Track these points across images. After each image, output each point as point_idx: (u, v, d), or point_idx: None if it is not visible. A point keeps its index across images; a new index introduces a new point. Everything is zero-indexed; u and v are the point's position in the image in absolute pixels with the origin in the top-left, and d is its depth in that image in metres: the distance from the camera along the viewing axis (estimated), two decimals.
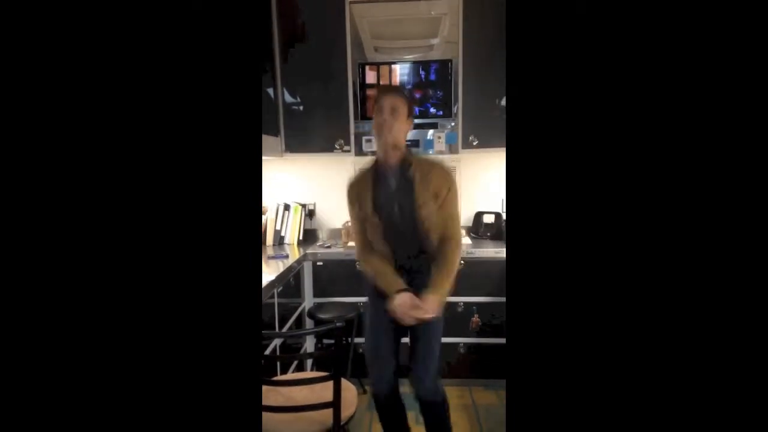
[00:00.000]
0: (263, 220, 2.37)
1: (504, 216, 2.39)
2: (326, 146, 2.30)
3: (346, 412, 1.21)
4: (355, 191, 1.44)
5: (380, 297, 1.42)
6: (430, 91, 2.32)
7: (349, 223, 2.40)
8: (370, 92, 2.32)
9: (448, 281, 1.37)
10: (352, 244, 2.32)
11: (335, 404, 1.15)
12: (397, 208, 1.38)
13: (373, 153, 2.37)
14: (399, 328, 1.45)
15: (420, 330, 1.43)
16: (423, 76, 2.32)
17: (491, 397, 2.11)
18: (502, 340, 2.18)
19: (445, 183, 1.37)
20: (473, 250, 2.16)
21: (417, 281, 1.42)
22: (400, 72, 2.32)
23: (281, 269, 1.82)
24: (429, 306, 1.33)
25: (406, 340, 1.53)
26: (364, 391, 2.15)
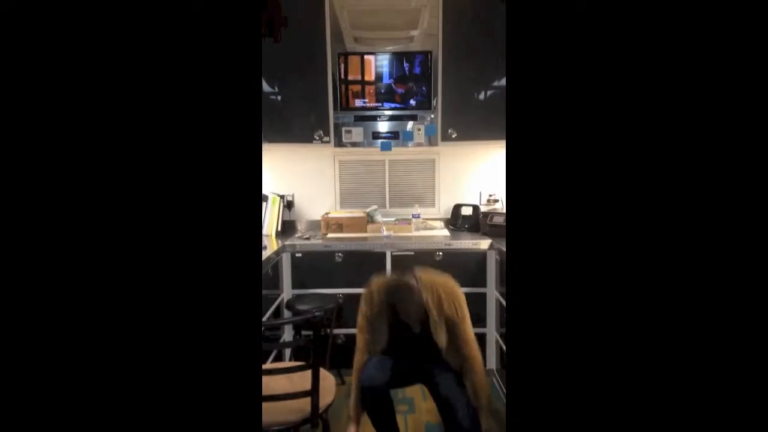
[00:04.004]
0: None
1: (481, 208, 2.42)
2: (305, 137, 2.28)
3: (324, 401, 1.22)
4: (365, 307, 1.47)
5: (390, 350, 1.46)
6: (414, 87, 2.32)
7: (329, 214, 2.41)
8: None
9: (485, 399, 1.42)
10: (331, 235, 2.32)
11: (313, 393, 1.15)
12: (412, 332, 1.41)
13: (352, 144, 2.36)
14: (408, 366, 1.48)
15: (445, 389, 1.42)
16: (407, 69, 2.32)
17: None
18: (478, 330, 2.22)
19: (457, 306, 1.40)
20: (451, 241, 2.19)
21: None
22: (377, 64, 2.32)
23: None
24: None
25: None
26: (343, 382, 2.16)
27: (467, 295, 2.17)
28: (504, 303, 2.03)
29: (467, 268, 2.17)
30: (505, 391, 2.03)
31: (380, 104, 2.35)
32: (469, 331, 1.45)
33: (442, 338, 1.38)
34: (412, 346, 1.46)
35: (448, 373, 1.44)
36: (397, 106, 2.35)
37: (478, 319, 2.21)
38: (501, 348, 2.11)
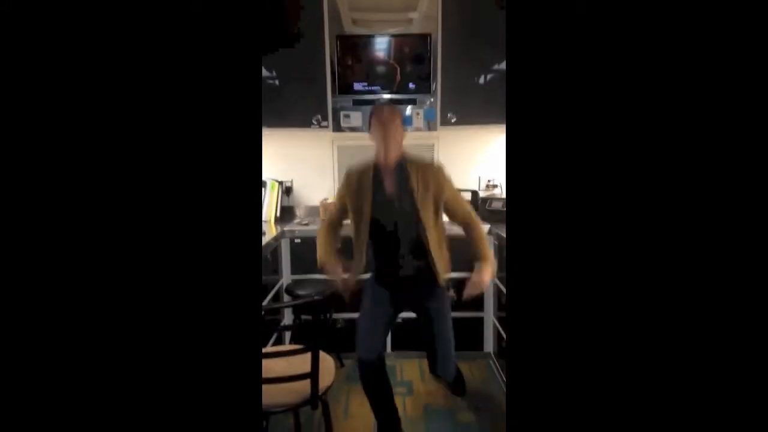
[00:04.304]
0: None
1: (480, 194, 2.42)
2: (303, 121, 2.26)
3: (323, 383, 1.24)
4: (354, 182, 1.51)
5: (379, 281, 1.57)
6: (414, 71, 2.29)
7: (328, 200, 2.40)
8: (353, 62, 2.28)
9: (489, 251, 1.53)
10: None
11: (313, 375, 1.17)
12: (395, 210, 1.47)
13: (351, 129, 2.35)
14: (394, 310, 1.58)
15: (434, 313, 1.55)
16: (406, 52, 2.29)
17: (463, 369, 2.18)
18: (476, 314, 2.25)
19: (443, 184, 1.48)
20: (450, 226, 2.18)
21: (414, 284, 1.55)
22: (376, 47, 2.28)
23: None
24: (486, 277, 1.49)
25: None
26: (342, 365, 2.19)
27: (463, 280, 2.19)
28: (501, 288, 2.04)
29: (465, 253, 2.17)
30: (503, 376, 2.06)
31: (379, 88, 2.32)
32: (461, 203, 1.55)
33: (428, 215, 1.46)
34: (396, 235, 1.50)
35: (441, 309, 1.57)
36: (396, 90, 2.32)
37: (474, 304, 2.23)
38: (499, 332, 2.13)
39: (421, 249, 1.50)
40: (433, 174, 1.47)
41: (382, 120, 1.45)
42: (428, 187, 1.45)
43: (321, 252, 1.57)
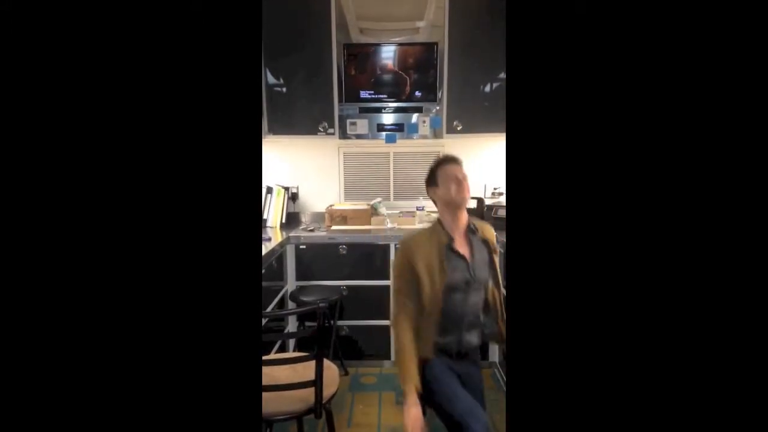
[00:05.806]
0: None
1: (486, 201, 2.41)
2: (310, 129, 2.28)
3: (327, 391, 1.23)
4: (419, 249, 1.29)
5: (443, 356, 1.32)
6: (420, 79, 2.31)
7: (333, 206, 2.41)
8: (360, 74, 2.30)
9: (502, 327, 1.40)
10: (335, 227, 2.32)
11: (317, 383, 1.16)
12: (468, 276, 1.28)
13: (357, 136, 2.36)
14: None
15: (480, 394, 1.36)
16: (413, 61, 2.30)
17: None
18: None
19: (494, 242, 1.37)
20: None
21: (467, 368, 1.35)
22: (383, 55, 2.30)
23: (263, 252, 1.81)
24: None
25: None
26: (346, 373, 2.18)
27: None
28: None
29: None
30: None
31: (385, 96, 2.33)
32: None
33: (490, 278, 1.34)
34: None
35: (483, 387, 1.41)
36: (403, 98, 2.33)
37: None
38: None
39: (480, 317, 1.34)
40: (490, 233, 1.37)
41: (458, 177, 1.29)
42: (489, 249, 1.35)
43: (405, 365, 1.22)
